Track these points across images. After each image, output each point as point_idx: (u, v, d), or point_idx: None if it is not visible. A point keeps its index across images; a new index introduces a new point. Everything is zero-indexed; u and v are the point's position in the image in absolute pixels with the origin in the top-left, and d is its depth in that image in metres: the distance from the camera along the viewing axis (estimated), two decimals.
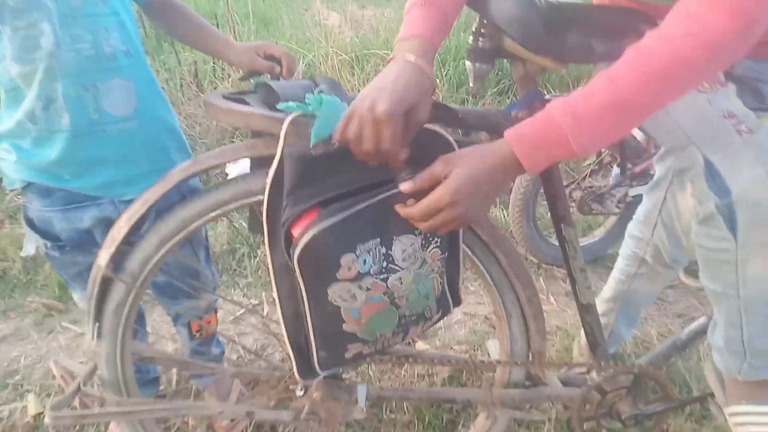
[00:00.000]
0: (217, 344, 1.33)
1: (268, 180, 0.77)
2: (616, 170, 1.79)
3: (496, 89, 2.92)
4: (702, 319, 1.08)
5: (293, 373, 0.90)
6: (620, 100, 0.64)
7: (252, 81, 0.98)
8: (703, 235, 0.81)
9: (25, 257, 1.82)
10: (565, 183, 1.86)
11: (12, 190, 1.03)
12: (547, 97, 0.94)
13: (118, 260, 0.91)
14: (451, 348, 1.52)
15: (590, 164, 1.95)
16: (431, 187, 0.70)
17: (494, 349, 1.33)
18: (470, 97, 2.81)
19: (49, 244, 1.02)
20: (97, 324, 0.95)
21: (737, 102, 0.77)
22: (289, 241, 0.76)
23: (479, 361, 1.01)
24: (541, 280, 1.89)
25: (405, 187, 0.72)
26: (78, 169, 0.96)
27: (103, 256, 0.91)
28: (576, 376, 1.10)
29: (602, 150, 1.89)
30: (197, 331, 1.22)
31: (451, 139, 0.79)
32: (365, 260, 0.76)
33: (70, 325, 1.65)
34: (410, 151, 0.77)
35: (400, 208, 0.73)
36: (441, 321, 0.92)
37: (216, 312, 1.27)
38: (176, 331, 1.27)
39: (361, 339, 0.83)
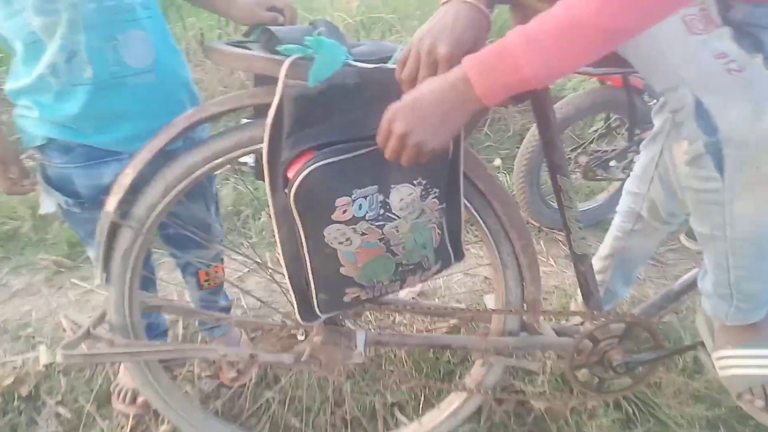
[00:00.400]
0: (224, 297, 1.36)
1: (268, 121, 0.79)
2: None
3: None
4: (694, 271, 1.10)
5: (295, 318, 0.93)
6: (577, 21, 0.62)
7: (256, 31, 0.99)
8: (692, 176, 0.82)
9: (37, 215, 1.86)
10: (570, 148, 1.88)
11: (27, 149, 1.04)
12: None
13: (125, 207, 0.93)
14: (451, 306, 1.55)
15: (597, 129, 1.95)
16: None
17: (491, 303, 1.36)
18: None
19: (69, 201, 1.03)
20: (105, 270, 0.98)
21: (731, 43, 0.77)
22: (286, 182, 0.78)
23: (475, 309, 1.04)
24: (541, 242, 1.91)
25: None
26: (99, 123, 0.97)
27: (111, 203, 0.93)
28: (570, 327, 1.13)
29: (610, 114, 1.89)
30: (205, 281, 1.26)
31: None
32: (360, 205, 0.78)
33: (79, 282, 1.69)
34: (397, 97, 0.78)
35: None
36: (440, 273, 0.94)
37: (222, 262, 1.30)
38: (185, 282, 1.31)
39: (358, 284, 0.85)
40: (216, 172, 1.15)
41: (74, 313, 1.56)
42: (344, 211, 0.77)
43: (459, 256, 0.94)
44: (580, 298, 1.08)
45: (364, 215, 0.78)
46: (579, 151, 1.83)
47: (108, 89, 0.94)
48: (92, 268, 1.64)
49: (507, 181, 2.20)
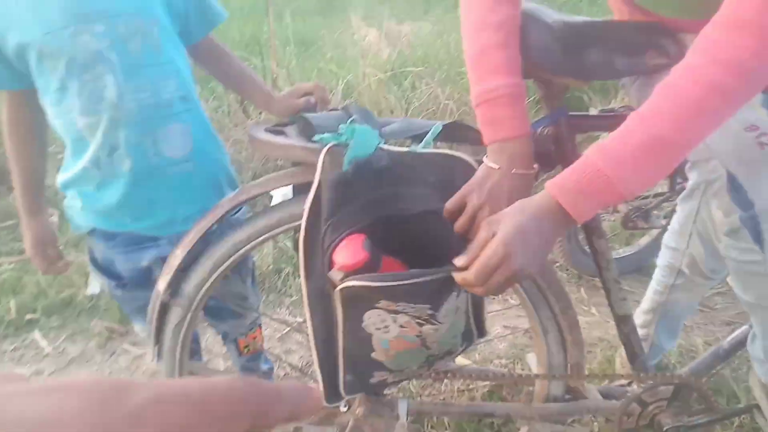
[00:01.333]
0: (265, 361, 1.39)
1: (306, 206, 0.83)
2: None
3: (533, 98, 2.92)
4: (744, 328, 1.07)
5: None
6: (657, 139, 0.63)
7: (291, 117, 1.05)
8: (731, 246, 0.81)
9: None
10: None
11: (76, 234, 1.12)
12: (572, 113, 0.96)
13: (175, 286, 0.98)
14: (491, 362, 1.53)
15: None
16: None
17: (535, 362, 1.34)
18: None
19: (113, 283, 1.09)
20: (157, 346, 1.02)
21: (761, 112, 0.77)
22: (330, 265, 0.81)
23: (518, 374, 1.03)
24: (582, 290, 1.88)
25: (459, 261, 0.72)
26: (138, 211, 1.02)
27: (162, 283, 0.98)
28: (616, 388, 1.10)
29: None
30: (245, 347, 1.29)
31: (471, 161, 0.83)
32: (404, 308, 0.78)
33: (130, 347, 1.76)
34: (435, 176, 0.81)
35: (456, 276, 0.73)
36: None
37: (260, 328, 1.33)
38: (227, 349, 1.34)
39: (387, 368, 0.86)
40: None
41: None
42: (388, 305, 0.78)
43: (482, 333, 0.94)
44: (624, 353, 1.06)
45: (408, 312, 0.78)
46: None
47: (146, 179, 0.99)
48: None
49: None
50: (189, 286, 0.99)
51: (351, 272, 0.76)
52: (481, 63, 0.80)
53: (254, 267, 1.30)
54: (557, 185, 0.68)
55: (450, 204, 0.79)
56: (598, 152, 0.66)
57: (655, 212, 1.75)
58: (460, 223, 0.77)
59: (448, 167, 0.82)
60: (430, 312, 0.78)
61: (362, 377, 0.88)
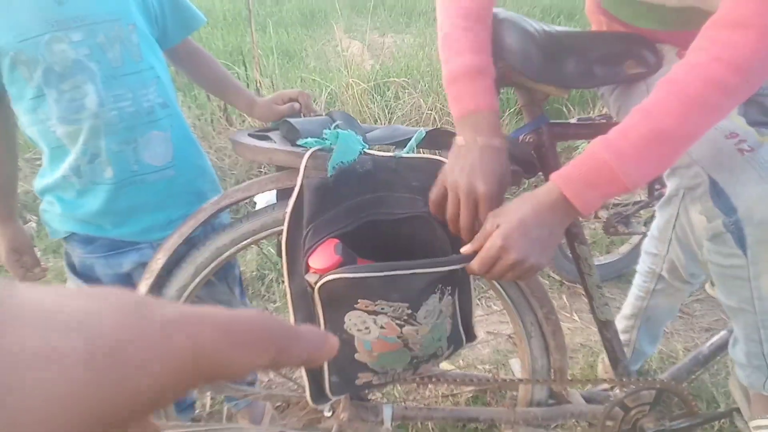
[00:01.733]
0: (255, 378, 1.35)
1: (288, 209, 0.83)
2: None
3: (513, 109, 2.96)
4: (723, 333, 1.09)
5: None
6: (660, 132, 0.65)
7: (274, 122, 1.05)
8: (714, 251, 0.83)
9: None
10: None
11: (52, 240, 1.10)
12: (551, 121, 0.98)
13: (156, 291, 0.97)
14: (475, 367, 1.54)
15: None
16: None
17: (518, 367, 1.35)
18: None
19: None
20: None
21: (739, 120, 0.79)
22: (307, 267, 0.81)
23: (501, 379, 1.04)
24: (564, 297, 1.89)
25: (465, 249, 0.75)
26: (119, 218, 1.00)
27: (142, 288, 0.97)
28: (599, 392, 1.11)
29: None
30: None
31: None
32: (383, 308, 0.78)
33: None
34: (418, 181, 0.82)
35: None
36: (452, 356, 0.94)
37: None
38: None
39: (372, 369, 0.85)
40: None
41: None
42: (366, 306, 0.78)
43: (471, 337, 0.94)
44: (607, 359, 1.07)
45: (386, 311, 0.78)
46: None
47: (127, 186, 0.98)
48: None
49: None
50: (170, 290, 0.98)
51: (324, 275, 0.77)
52: (448, 44, 0.82)
53: (241, 276, 1.28)
54: (562, 177, 0.70)
55: (432, 194, 0.80)
56: (602, 145, 0.68)
57: (634, 219, 1.77)
58: (449, 212, 0.78)
59: (432, 172, 0.82)
60: (408, 311, 0.78)
61: (347, 378, 0.87)
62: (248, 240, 0.97)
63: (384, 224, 0.85)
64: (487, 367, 1.54)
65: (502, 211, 0.72)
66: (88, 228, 1.02)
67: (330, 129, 0.86)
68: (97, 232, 1.02)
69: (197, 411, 1.44)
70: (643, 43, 0.90)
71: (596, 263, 1.83)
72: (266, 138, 1.02)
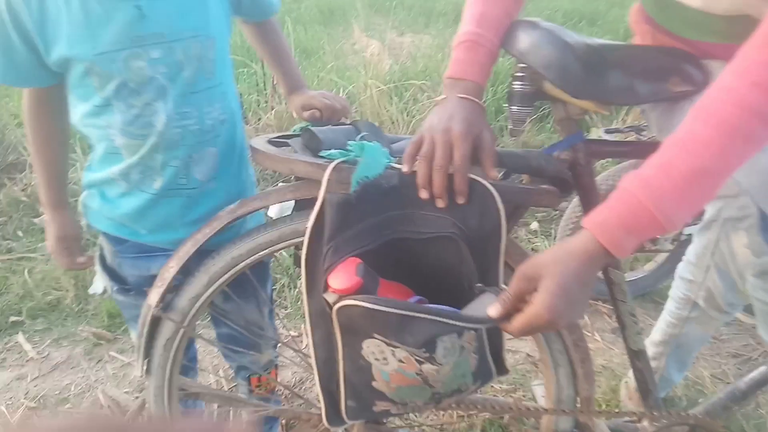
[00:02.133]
0: (276, 402, 1.29)
1: (308, 225, 0.79)
2: None
3: (535, 116, 2.90)
4: (763, 368, 1.02)
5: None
6: (700, 170, 0.61)
7: (296, 127, 1.00)
8: (759, 288, 0.77)
9: (80, 286, 1.90)
10: None
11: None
12: (587, 136, 0.92)
13: (168, 299, 0.93)
14: (492, 386, 1.48)
15: None
16: (520, 303, 0.68)
17: (539, 393, 1.29)
18: (506, 124, 2.79)
19: (116, 287, 1.05)
20: (146, 360, 0.97)
21: None
22: (326, 285, 0.76)
23: (525, 408, 0.98)
24: (585, 316, 1.83)
25: (493, 312, 0.69)
26: (154, 226, 0.98)
27: (153, 296, 0.93)
28: (626, 424, 1.06)
29: None
30: (257, 386, 1.22)
31: (488, 184, 0.78)
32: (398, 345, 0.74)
33: (117, 355, 1.70)
34: (448, 200, 0.77)
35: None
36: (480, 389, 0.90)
37: (276, 368, 1.27)
38: (237, 382, 1.29)
39: (390, 399, 0.81)
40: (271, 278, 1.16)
41: (112, 388, 1.57)
42: (385, 336, 0.74)
43: (502, 370, 0.89)
44: (631, 379, 1.01)
45: (405, 346, 0.73)
46: None
47: (171, 198, 0.96)
48: (130, 341, 1.66)
49: (545, 245, 2.15)
50: (182, 300, 0.94)
51: (344, 297, 0.73)
52: (464, 16, 0.86)
53: (272, 296, 1.24)
54: (598, 225, 0.65)
55: (409, 147, 0.78)
56: (639, 186, 0.63)
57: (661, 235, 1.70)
58: (422, 151, 0.76)
59: None
60: (426, 354, 0.73)
61: (364, 404, 0.83)
62: (265, 251, 0.93)
63: (409, 243, 0.80)
64: (503, 386, 1.49)
65: (538, 270, 0.66)
66: (120, 230, 1.00)
67: (355, 140, 0.81)
68: (131, 236, 1.00)
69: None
70: (689, 59, 0.84)
71: None
72: (286, 145, 0.98)
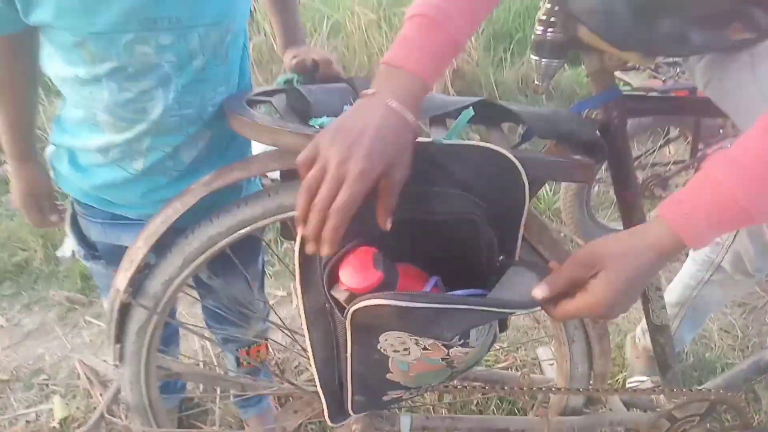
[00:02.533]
0: (265, 374, 1.23)
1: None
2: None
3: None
4: None
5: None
6: None
7: (280, 79, 0.85)
8: None
9: (49, 246, 1.77)
10: None
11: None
12: (625, 91, 0.79)
13: (137, 283, 0.82)
14: (495, 348, 1.43)
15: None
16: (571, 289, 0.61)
17: (545, 355, 1.24)
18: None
19: (83, 252, 0.96)
20: (118, 346, 0.88)
21: None
22: (332, 279, 0.65)
23: (536, 387, 0.91)
24: None
25: (538, 293, 0.61)
26: (131, 202, 0.89)
27: (121, 280, 0.82)
28: (640, 397, 1.00)
29: (670, 127, 1.71)
30: (244, 360, 1.14)
31: (514, 159, 0.66)
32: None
33: (93, 320, 1.60)
34: (463, 174, 0.64)
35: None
36: None
37: (267, 342, 1.18)
38: (224, 355, 1.23)
39: (404, 387, 0.74)
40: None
41: (89, 356, 1.48)
42: (414, 332, 0.64)
43: (503, 328, 0.82)
44: (638, 335, 0.93)
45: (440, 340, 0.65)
46: (635, 164, 1.64)
47: (153, 176, 0.86)
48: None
49: (545, 194, 2.05)
50: (154, 283, 0.84)
51: (360, 296, 0.61)
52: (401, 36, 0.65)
53: (264, 269, 1.14)
54: (681, 215, 0.57)
55: (302, 155, 0.59)
56: (736, 179, 0.54)
57: (673, 181, 1.60)
58: (305, 184, 0.58)
59: (482, 163, 0.65)
60: (460, 341, 0.65)
61: (374, 397, 0.77)
62: (247, 228, 0.81)
63: (422, 224, 0.68)
64: (505, 346, 1.43)
65: (602, 259, 0.59)
66: (88, 198, 0.90)
67: (351, 102, 0.67)
68: (100, 204, 0.89)
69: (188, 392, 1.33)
70: (756, 1, 0.70)
71: (617, 228, 1.69)
72: (266, 103, 0.83)
